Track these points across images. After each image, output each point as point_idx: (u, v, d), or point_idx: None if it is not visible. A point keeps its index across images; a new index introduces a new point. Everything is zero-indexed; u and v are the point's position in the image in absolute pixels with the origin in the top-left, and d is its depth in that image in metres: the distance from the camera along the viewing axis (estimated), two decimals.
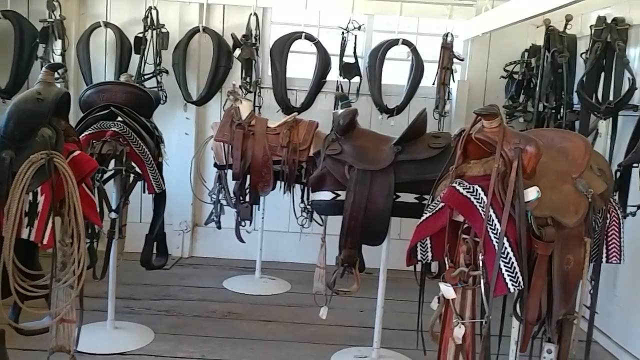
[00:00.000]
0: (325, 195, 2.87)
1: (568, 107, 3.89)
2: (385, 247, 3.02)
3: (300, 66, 4.71)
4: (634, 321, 3.39)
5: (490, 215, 1.87)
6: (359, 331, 3.57)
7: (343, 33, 4.50)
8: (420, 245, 2.14)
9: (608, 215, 2.15)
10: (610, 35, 3.45)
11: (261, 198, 4.08)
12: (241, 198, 3.95)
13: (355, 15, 4.53)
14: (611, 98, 3.51)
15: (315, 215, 4.02)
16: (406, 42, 4.54)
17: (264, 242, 4.39)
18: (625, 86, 3.44)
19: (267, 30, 4.82)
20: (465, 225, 1.99)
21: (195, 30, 4.54)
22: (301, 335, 3.51)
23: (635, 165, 3.08)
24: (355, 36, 4.52)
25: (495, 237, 1.86)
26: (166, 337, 3.33)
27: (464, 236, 1.98)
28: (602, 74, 3.56)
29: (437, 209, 2.04)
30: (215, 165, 4.03)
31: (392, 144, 2.88)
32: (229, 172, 3.93)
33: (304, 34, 4.47)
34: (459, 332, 1.98)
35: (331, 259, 3.00)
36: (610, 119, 3.52)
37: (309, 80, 4.57)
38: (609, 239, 2.17)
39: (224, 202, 4.05)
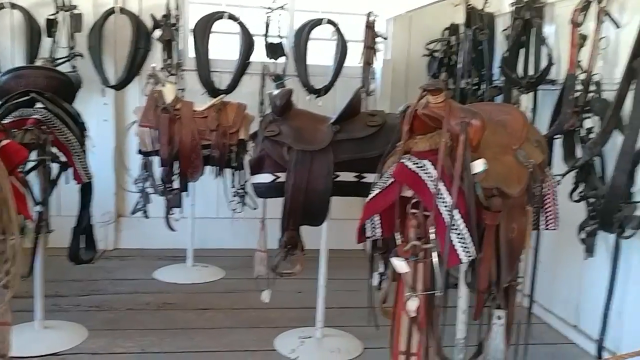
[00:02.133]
0: (265, 178, 2.82)
1: (489, 82, 4.04)
2: (325, 226, 3.02)
3: (224, 47, 4.60)
4: (558, 285, 3.59)
5: (440, 189, 1.90)
6: (299, 312, 3.57)
7: (266, 12, 4.43)
8: (369, 223, 2.15)
9: (545, 185, 2.24)
10: (528, 13, 3.59)
11: (190, 184, 3.98)
12: (169, 185, 3.84)
13: None
14: (531, 73, 3.66)
15: (248, 199, 3.98)
16: (331, 22, 4.53)
17: (195, 229, 4.29)
18: (544, 61, 3.61)
19: (186, 10, 4.66)
20: (414, 200, 2.01)
21: (110, 11, 4.32)
22: (241, 320, 3.47)
23: (557, 136, 3.23)
24: (279, 15, 4.46)
25: (446, 210, 1.89)
26: (101, 334, 3.20)
27: (413, 210, 2.01)
28: (522, 50, 3.71)
29: (386, 185, 2.05)
30: (140, 152, 3.87)
31: (330, 123, 2.87)
32: (156, 159, 3.80)
33: (226, 14, 4.37)
34: (412, 305, 2.00)
35: (271, 241, 2.97)
36: (531, 93, 3.68)
37: (233, 62, 4.47)
38: (546, 206, 2.26)
39: (150, 190, 3.92)
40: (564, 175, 3.10)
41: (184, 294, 3.87)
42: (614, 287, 2.80)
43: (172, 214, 3.89)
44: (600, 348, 2.84)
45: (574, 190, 3.10)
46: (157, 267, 4.31)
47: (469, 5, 4.07)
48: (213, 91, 4.37)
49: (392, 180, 2.02)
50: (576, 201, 3.08)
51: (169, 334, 3.26)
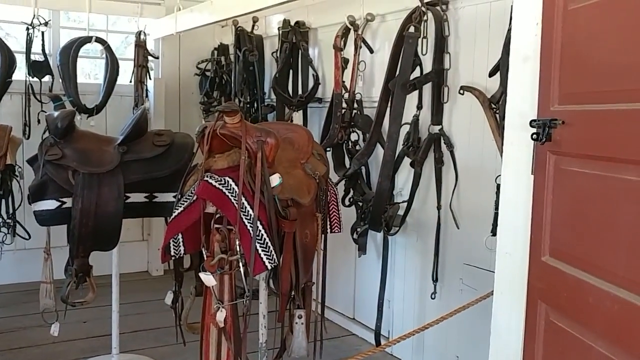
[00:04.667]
0: (49, 205, 2.68)
1: (262, 101, 4.29)
2: (115, 251, 2.96)
3: None
4: (336, 282, 3.93)
5: (243, 203, 2.03)
6: (89, 342, 3.41)
7: (28, 29, 4.14)
8: (173, 242, 2.19)
9: (328, 193, 2.50)
10: (295, 37, 3.92)
11: None
12: None
13: (39, 11, 4.21)
14: (300, 92, 4.00)
15: (20, 229, 3.67)
16: (99, 40, 4.40)
17: None
18: (310, 81, 3.96)
19: None
20: (217, 216, 2.12)
21: None
22: None
23: (327, 149, 3.58)
24: (42, 33, 4.20)
25: (249, 223, 2.03)
26: None
27: (217, 226, 2.11)
28: (291, 71, 4.03)
29: (188, 203, 2.12)
30: None
31: (117, 144, 2.83)
32: None
33: None
34: (220, 315, 2.10)
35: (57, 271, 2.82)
36: (301, 110, 4.01)
37: None
38: (331, 213, 2.53)
39: None
40: (337, 183, 3.45)
41: None
42: (385, 279, 3.20)
43: None
44: (378, 335, 3.21)
45: (345, 196, 3.47)
46: None
47: (239, 27, 4.27)
48: None
49: (195, 198, 2.10)
50: (347, 206, 3.45)
51: None
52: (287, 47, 3.93)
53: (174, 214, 2.15)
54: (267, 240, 2.04)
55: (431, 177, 3.07)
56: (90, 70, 5.09)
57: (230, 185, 2.05)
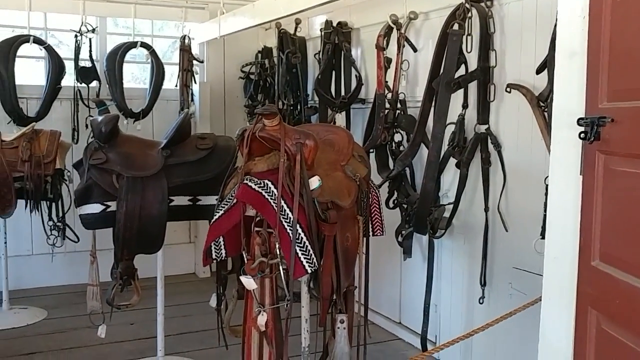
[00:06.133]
0: (94, 208, 2.72)
1: (305, 103, 4.28)
2: (160, 253, 2.98)
3: (30, 72, 4.31)
4: (381, 286, 3.89)
5: (282, 206, 2.01)
6: (136, 344, 3.45)
7: (76, 36, 4.24)
8: (214, 245, 2.19)
9: (370, 195, 2.46)
10: (337, 38, 3.88)
11: (1, 220, 3.66)
12: None
13: (86, 18, 4.31)
14: (343, 93, 3.96)
15: (69, 232, 3.76)
16: (145, 45, 4.47)
17: (9, 268, 3.93)
18: (353, 82, 3.92)
19: None
20: (258, 219, 2.10)
21: None
22: None
23: (371, 150, 3.53)
24: (90, 39, 4.30)
25: (288, 226, 2.00)
26: None
27: (257, 229, 2.10)
28: (334, 72, 4.00)
29: (229, 206, 2.11)
30: None
31: (160, 148, 2.85)
32: None
33: (32, 37, 4.10)
34: (261, 319, 2.09)
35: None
36: (344, 112, 3.97)
37: (41, 87, 4.21)
38: (372, 215, 2.48)
39: None
40: (379, 185, 3.40)
41: (3, 340, 3.53)
42: (431, 283, 3.13)
43: None
44: (424, 340, 3.14)
45: (389, 198, 3.41)
46: None
47: (282, 29, 4.27)
48: (20, 119, 4.07)
49: (235, 201, 2.09)
50: (392, 208, 3.39)
51: None
52: (330, 48, 3.91)
53: (214, 217, 2.15)
54: (307, 243, 2.01)
55: (478, 178, 2.98)
56: (139, 75, 5.17)
57: (270, 188, 2.03)
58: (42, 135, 3.67)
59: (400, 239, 3.38)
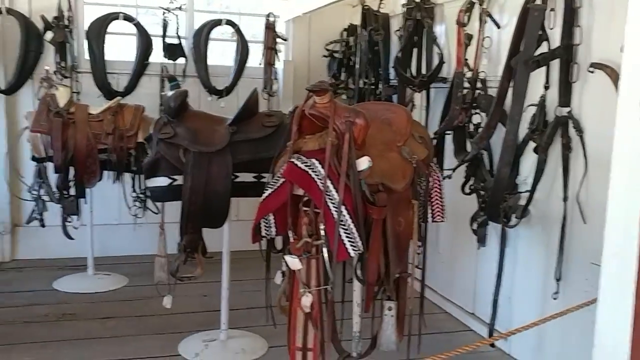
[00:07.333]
0: (161, 181, 2.78)
1: (385, 82, 4.16)
2: (226, 228, 3.02)
3: (120, 48, 4.49)
4: (455, 274, 3.75)
5: (328, 186, 1.95)
6: (204, 316, 3.54)
7: (164, 13, 4.37)
8: (264, 222, 2.17)
9: (430, 179, 2.33)
10: (419, 13, 3.73)
11: (87, 190, 3.86)
12: (65, 192, 3.71)
13: None
14: (423, 72, 3.81)
15: (150, 204, 3.90)
16: (230, 23, 4.52)
17: (95, 236, 4.16)
18: (435, 60, 3.75)
19: (80, 11, 4.50)
20: (305, 198, 2.05)
21: None
22: (145, 327, 3.40)
23: (447, 132, 3.38)
24: (177, 16, 4.41)
25: (334, 207, 1.94)
26: None
27: (305, 208, 2.05)
28: (415, 50, 3.85)
29: (277, 185, 2.08)
30: (34, 158, 3.73)
31: (227, 124, 2.87)
32: (50, 165, 3.67)
33: (121, 15, 4.27)
34: (306, 300, 2.04)
35: (171, 246, 2.93)
36: (424, 91, 3.82)
37: (130, 63, 4.37)
38: (432, 200, 2.36)
39: (46, 197, 3.78)
40: (454, 169, 3.25)
41: (86, 303, 3.75)
42: (502, 274, 2.96)
43: (70, 221, 3.76)
44: (492, 332, 2.99)
45: (465, 183, 3.25)
46: (56, 277, 4.15)
47: (365, 6, 4.17)
48: (110, 93, 4.25)
49: (283, 180, 2.05)
50: (467, 194, 3.23)
51: (69, 345, 3.15)
52: (411, 25, 3.76)
53: (264, 195, 2.12)
54: (352, 226, 1.94)
55: (558, 165, 2.76)
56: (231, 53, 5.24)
57: (316, 167, 1.98)
58: (127, 109, 3.81)
59: (474, 226, 3.22)
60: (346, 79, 4.69)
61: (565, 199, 2.71)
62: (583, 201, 2.65)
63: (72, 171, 3.65)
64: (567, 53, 2.62)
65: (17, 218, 4.54)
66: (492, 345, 3.04)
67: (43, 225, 3.81)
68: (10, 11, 4.14)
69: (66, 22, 4.19)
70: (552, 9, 2.60)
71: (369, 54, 4.17)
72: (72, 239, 3.76)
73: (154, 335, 3.31)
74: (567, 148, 2.71)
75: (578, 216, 2.67)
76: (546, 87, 2.76)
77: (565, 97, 2.68)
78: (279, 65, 4.74)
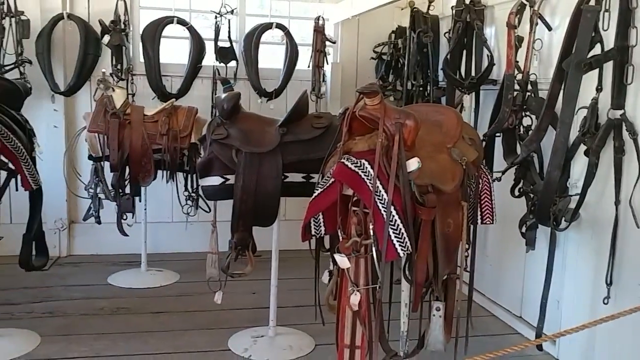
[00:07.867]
0: (214, 181, 2.87)
1: (434, 84, 4.16)
2: (275, 227, 3.08)
3: (174, 52, 4.62)
4: (503, 277, 3.73)
5: (378, 187, 1.98)
6: (253, 313, 3.62)
7: (216, 17, 4.47)
8: (314, 221, 2.21)
9: (480, 181, 2.34)
10: (469, 15, 3.72)
11: (142, 189, 3.99)
12: (121, 190, 3.84)
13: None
14: (473, 74, 3.80)
15: (201, 203, 4.01)
16: (280, 26, 4.60)
17: (148, 233, 4.29)
18: (485, 62, 3.74)
19: (135, 15, 4.66)
20: (355, 198, 2.09)
21: (58, 17, 4.30)
22: (196, 323, 3.50)
23: (497, 134, 3.36)
24: (229, 20, 4.51)
25: (383, 207, 1.97)
26: (54, 339, 3.19)
27: (354, 208, 2.09)
28: (464, 52, 3.84)
29: (327, 184, 2.12)
30: (91, 157, 3.88)
31: (277, 125, 2.93)
32: (106, 164, 3.81)
33: (175, 19, 4.40)
34: (355, 299, 2.08)
35: (222, 244, 3.01)
36: (473, 93, 3.81)
37: (183, 66, 4.50)
38: (482, 202, 2.37)
39: (102, 195, 3.92)
40: (504, 172, 3.23)
41: (138, 298, 3.88)
42: (550, 277, 2.93)
43: (125, 219, 3.89)
44: (539, 336, 2.96)
45: (514, 186, 3.23)
46: (111, 273, 4.31)
47: (414, 8, 4.18)
48: (164, 95, 4.38)
49: (333, 180, 2.10)
50: (517, 196, 3.21)
51: (123, 337, 3.27)
52: (460, 27, 3.75)
53: (314, 194, 2.17)
54: (401, 226, 1.97)
55: (610, 169, 2.72)
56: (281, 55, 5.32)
57: (366, 167, 2.01)
58: (180, 110, 3.93)
59: (523, 229, 3.20)
60: (394, 81, 4.71)
61: (617, 202, 2.68)
62: (636, 205, 2.60)
63: (127, 170, 3.77)
64: (621, 54, 2.58)
65: (74, 215, 4.73)
66: (540, 348, 3.01)
67: (99, 222, 3.95)
68: (70, 16, 4.32)
69: (122, 26, 4.34)
70: (607, 10, 2.57)
71: (418, 55, 4.17)
72: (126, 235, 3.89)
73: (204, 330, 3.41)
74: (619, 151, 2.66)
75: (630, 220, 2.62)
76: (598, 90, 2.72)
77: (618, 100, 2.64)
78: (327, 67, 4.79)
